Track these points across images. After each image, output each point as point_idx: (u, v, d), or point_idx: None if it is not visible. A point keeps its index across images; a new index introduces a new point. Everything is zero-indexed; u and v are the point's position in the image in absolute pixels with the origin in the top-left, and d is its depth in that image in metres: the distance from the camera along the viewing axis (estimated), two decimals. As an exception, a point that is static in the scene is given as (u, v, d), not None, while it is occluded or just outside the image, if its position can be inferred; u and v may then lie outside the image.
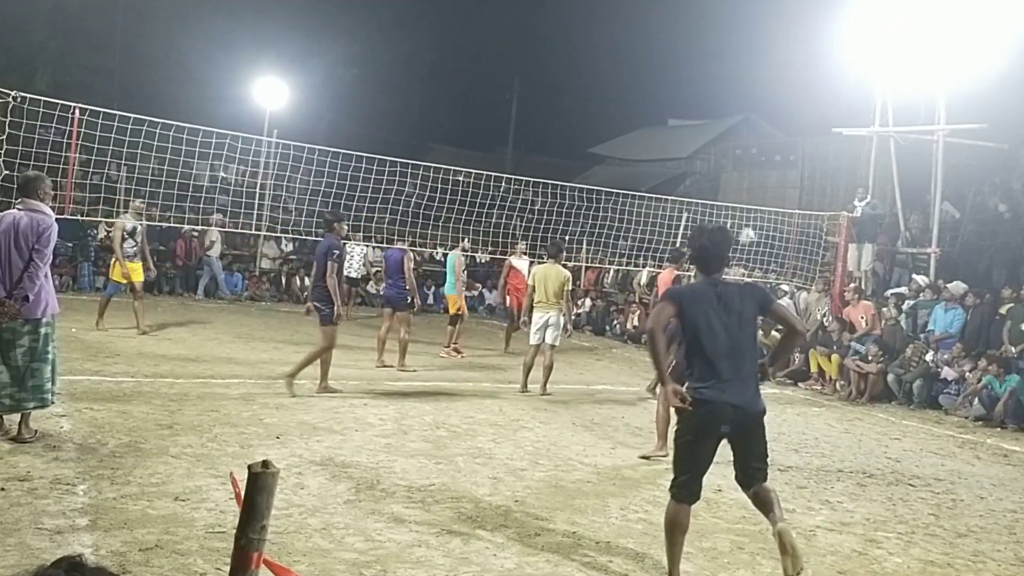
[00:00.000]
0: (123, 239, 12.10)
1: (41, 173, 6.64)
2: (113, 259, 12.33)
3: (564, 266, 10.80)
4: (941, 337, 12.73)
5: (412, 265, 11.64)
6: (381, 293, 11.75)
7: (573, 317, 12.14)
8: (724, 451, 7.94)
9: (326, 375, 9.08)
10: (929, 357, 12.37)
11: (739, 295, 4.59)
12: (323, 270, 9.00)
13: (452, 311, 13.43)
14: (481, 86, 39.82)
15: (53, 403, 6.38)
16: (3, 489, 5.03)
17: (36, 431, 6.24)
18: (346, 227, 10.09)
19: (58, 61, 25.57)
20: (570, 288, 10.52)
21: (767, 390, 13.67)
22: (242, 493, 1.99)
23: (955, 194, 17.23)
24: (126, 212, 12.44)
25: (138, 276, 12.34)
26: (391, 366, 11.25)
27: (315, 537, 4.71)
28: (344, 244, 9.59)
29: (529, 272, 13.59)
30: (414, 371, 11.21)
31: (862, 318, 13.33)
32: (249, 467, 1.87)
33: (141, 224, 12.36)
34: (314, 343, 9.36)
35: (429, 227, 16.23)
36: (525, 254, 14.37)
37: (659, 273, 11.21)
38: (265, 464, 1.91)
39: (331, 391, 9.05)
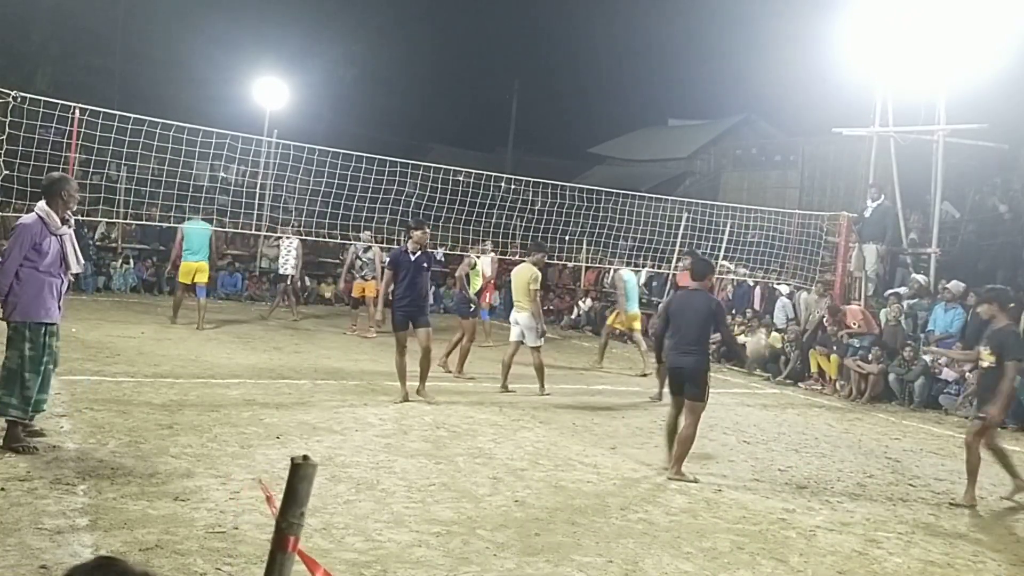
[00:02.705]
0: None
1: (64, 175, 6.52)
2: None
3: (544, 264, 10.79)
4: (941, 337, 12.72)
5: (467, 272, 11.79)
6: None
7: (547, 318, 12.24)
8: (720, 449, 7.93)
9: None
10: (929, 357, 12.38)
11: None
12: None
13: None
14: (481, 86, 39.90)
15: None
16: (3, 489, 5.03)
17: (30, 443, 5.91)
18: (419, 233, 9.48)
19: (58, 61, 25.60)
20: (536, 288, 10.23)
21: (765, 390, 13.65)
22: (274, 496, 2.29)
23: (955, 194, 17.21)
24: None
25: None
26: (469, 377, 11.22)
27: (315, 537, 4.71)
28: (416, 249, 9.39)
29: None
30: (472, 378, 11.09)
31: (854, 324, 13.32)
32: (292, 459, 2.12)
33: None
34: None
35: (429, 227, 16.17)
36: (492, 252, 14.57)
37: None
38: (305, 458, 2.18)
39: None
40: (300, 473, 2.18)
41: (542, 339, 10.35)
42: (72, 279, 6.38)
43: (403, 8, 34.50)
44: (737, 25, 38.00)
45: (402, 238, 14.34)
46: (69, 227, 6.12)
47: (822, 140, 21.99)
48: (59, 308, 6.10)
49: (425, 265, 9.19)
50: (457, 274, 12.71)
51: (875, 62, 15.22)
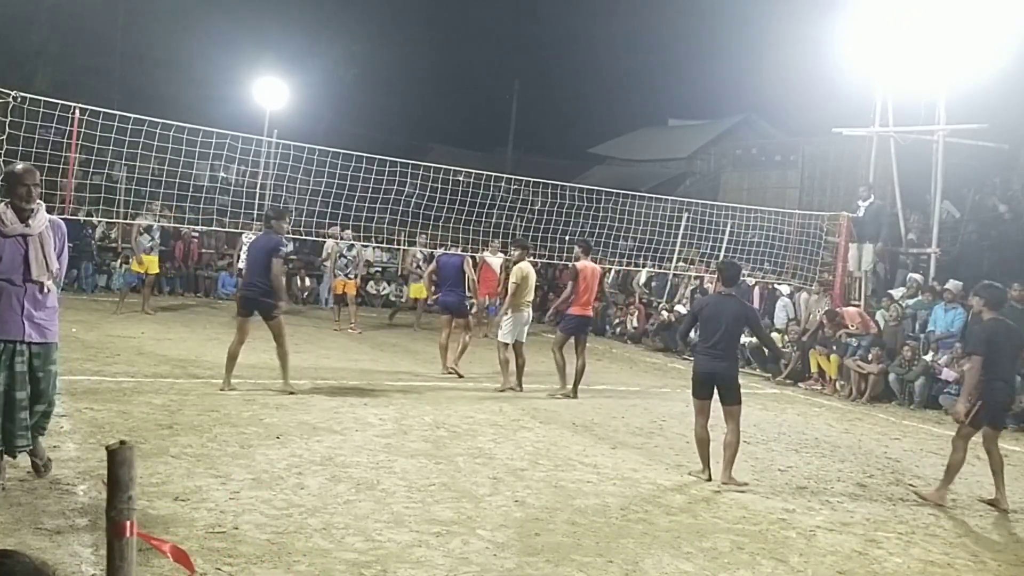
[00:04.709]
0: (139, 234, 14.67)
1: (27, 167, 5.27)
2: (133, 254, 15.04)
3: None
4: (942, 337, 12.72)
5: (471, 271, 11.60)
6: (438, 299, 11.77)
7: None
8: (720, 449, 7.93)
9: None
10: (929, 357, 12.38)
11: None
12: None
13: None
14: (481, 86, 39.88)
15: None
16: (3, 489, 5.03)
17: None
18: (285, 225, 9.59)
19: (58, 61, 25.58)
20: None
21: (765, 389, 13.66)
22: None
23: (955, 194, 17.21)
24: (142, 212, 14.68)
25: (154, 268, 15.01)
26: (454, 372, 11.17)
27: (315, 537, 4.71)
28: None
29: (502, 268, 14.48)
30: (461, 376, 11.06)
31: (852, 325, 13.32)
32: (107, 447, 2.10)
33: (157, 223, 14.78)
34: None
35: (429, 227, 16.20)
36: (501, 252, 14.76)
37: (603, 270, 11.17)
38: (122, 443, 2.21)
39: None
40: (117, 459, 2.24)
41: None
42: (51, 288, 5.17)
43: (403, 8, 34.51)
44: (737, 25, 38.04)
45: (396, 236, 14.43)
46: (39, 226, 5.10)
47: (822, 140, 21.99)
48: (28, 323, 5.07)
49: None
50: (427, 272, 12.81)
51: (875, 62, 15.22)
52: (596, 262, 10.44)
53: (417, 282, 17.52)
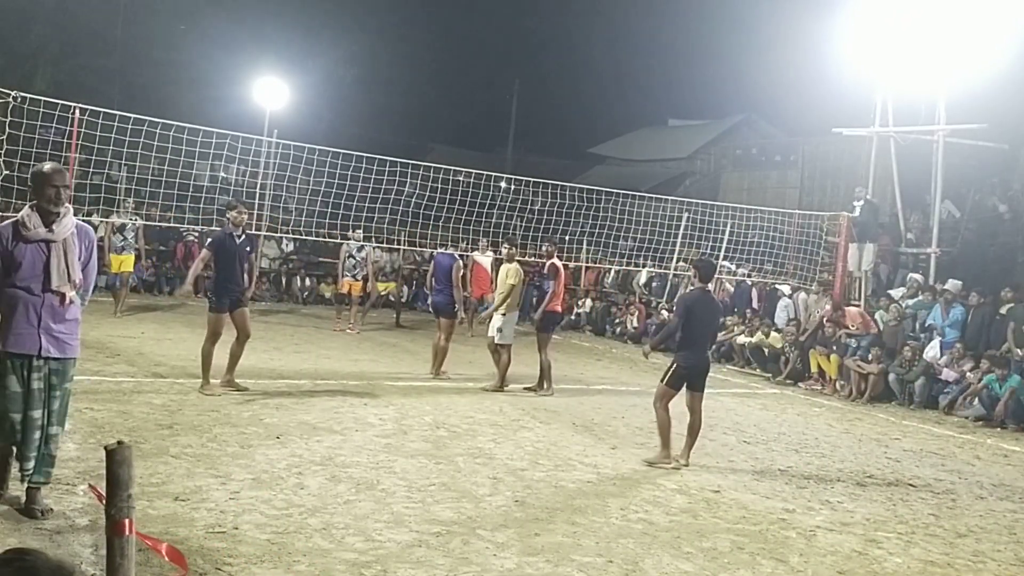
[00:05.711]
0: (111, 234, 14.31)
1: (43, 166, 4.89)
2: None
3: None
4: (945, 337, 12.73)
5: (460, 273, 11.30)
6: (430, 300, 11.61)
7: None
8: (720, 449, 7.93)
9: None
10: (928, 354, 12.37)
11: None
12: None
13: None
14: (481, 86, 39.93)
15: None
16: (4, 489, 5.02)
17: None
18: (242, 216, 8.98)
19: (58, 61, 25.58)
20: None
21: (765, 390, 13.64)
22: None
23: (955, 194, 17.22)
24: (116, 211, 14.61)
25: (127, 267, 14.56)
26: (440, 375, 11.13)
27: (315, 537, 4.71)
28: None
29: (493, 268, 14.50)
30: (434, 375, 11.06)
31: (852, 325, 13.33)
32: (105, 447, 2.12)
33: (131, 221, 14.53)
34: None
35: (429, 227, 16.21)
36: (490, 250, 14.96)
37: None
38: (119, 443, 2.24)
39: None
40: (117, 458, 2.26)
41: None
42: (73, 299, 4.80)
43: (403, 8, 34.51)
44: (737, 25, 38.07)
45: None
46: (63, 232, 4.74)
47: (822, 140, 22.02)
48: (45, 336, 4.68)
49: (248, 249, 8.98)
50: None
51: (875, 62, 15.23)
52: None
53: (385, 280, 17.58)
